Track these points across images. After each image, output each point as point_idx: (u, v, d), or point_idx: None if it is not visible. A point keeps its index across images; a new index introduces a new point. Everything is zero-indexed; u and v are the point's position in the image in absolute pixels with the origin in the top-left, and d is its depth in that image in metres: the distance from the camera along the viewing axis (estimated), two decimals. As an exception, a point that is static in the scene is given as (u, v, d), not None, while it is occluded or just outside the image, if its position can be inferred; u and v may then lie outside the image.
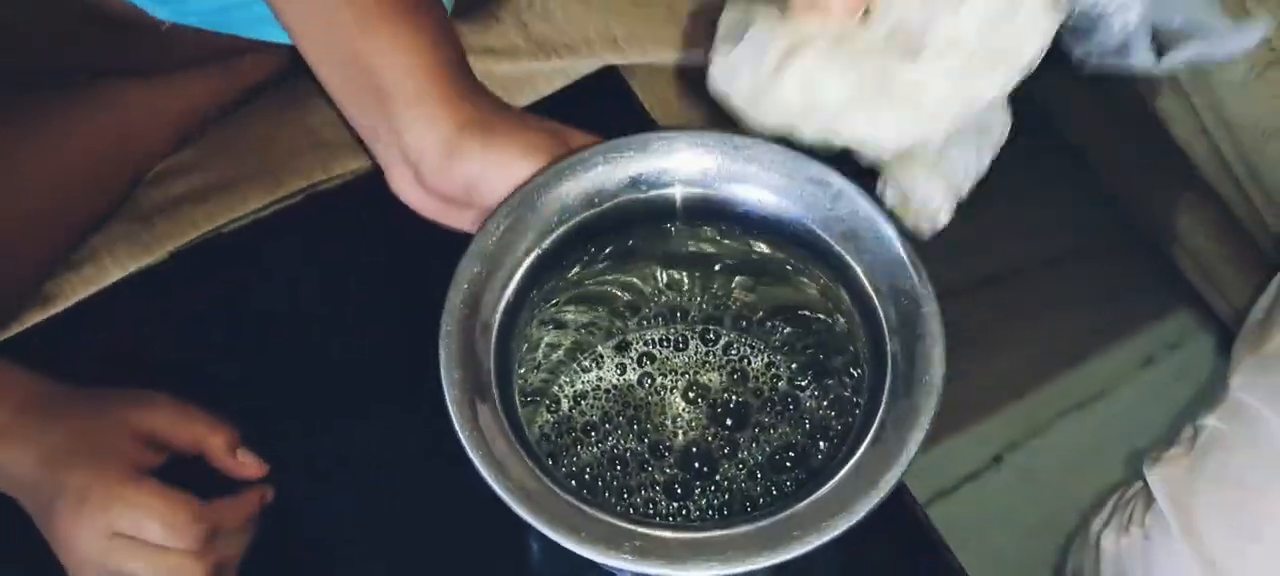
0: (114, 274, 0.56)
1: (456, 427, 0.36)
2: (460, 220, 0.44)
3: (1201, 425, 0.57)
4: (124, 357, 0.57)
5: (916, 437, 0.36)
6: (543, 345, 0.47)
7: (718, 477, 0.48)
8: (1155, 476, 0.57)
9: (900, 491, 0.57)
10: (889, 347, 0.38)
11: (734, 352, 0.49)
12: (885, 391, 0.37)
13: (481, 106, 0.43)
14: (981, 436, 0.99)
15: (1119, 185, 1.04)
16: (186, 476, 0.50)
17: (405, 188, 0.44)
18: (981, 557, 0.87)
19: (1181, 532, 0.54)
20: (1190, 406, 0.73)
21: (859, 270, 0.39)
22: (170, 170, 0.59)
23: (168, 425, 0.50)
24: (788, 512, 0.35)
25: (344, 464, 0.57)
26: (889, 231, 0.39)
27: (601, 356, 0.49)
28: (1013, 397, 0.97)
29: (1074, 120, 1.05)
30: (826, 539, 0.35)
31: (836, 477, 0.36)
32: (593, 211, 0.41)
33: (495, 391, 0.37)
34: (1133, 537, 0.57)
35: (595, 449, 0.48)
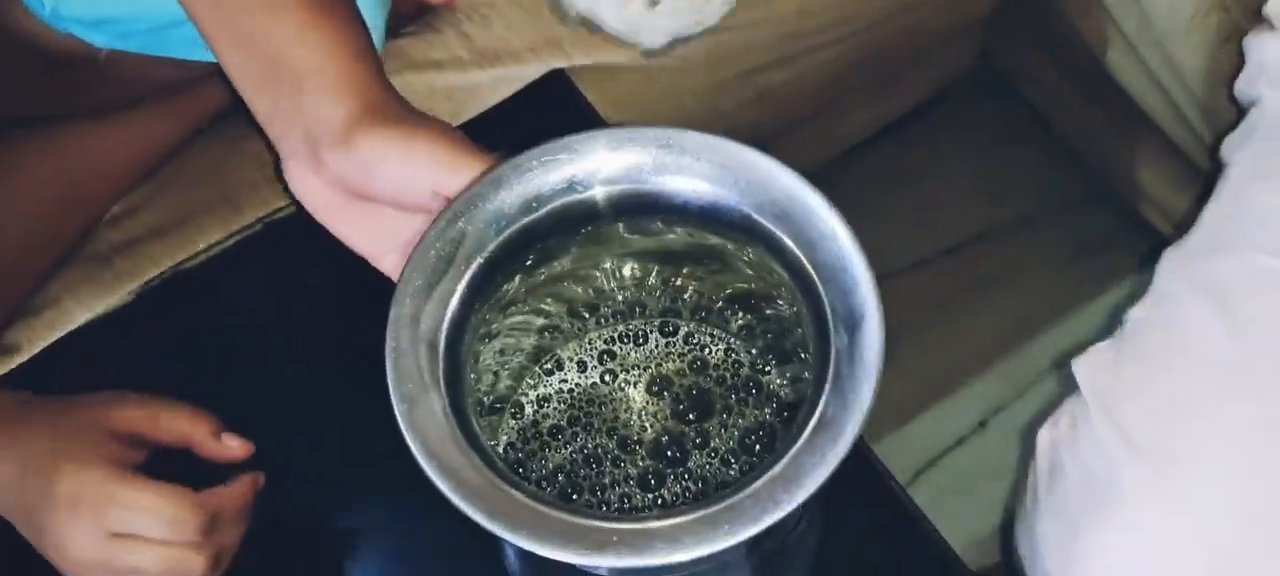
0: (77, 316, 0.57)
1: (405, 434, 0.37)
2: (350, 222, 0.44)
3: (1126, 317, 0.58)
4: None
5: (857, 417, 0.36)
6: (498, 354, 0.47)
7: (691, 465, 0.48)
8: (1080, 367, 0.58)
9: (877, 468, 0.58)
10: (831, 326, 0.38)
11: (694, 342, 0.50)
12: (830, 370, 0.37)
13: (390, 96, 0.43)
14: (965, 402, 0.99)
15: (1083, 144, 1.04)
16: (170, 470, 0.51)
17: (299, 173, 0.43)
18: (972, 520, 0.88)
19: (1101, 413, 0.55)
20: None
21: (797, 250, 0.40)
22: (126, 209, 0.59)
23: (146, 419, 0.51)
24: (728, 501, 0.35)
25: (316, 490, 0.58)
26: (821, 208, 0.39)
27: (561, 359, 0.49)
28: (993, 361, 0.98)
29: (1035, 83, 1.06)
30: (765, 523, 0.35)
31: (782, 461, 0.36)
32: (532, 216, 0.41)
33: (445, 399, 0.38)
34: (1060, 428, 0.58)
35: (565, 451, 0.48)
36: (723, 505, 0.36)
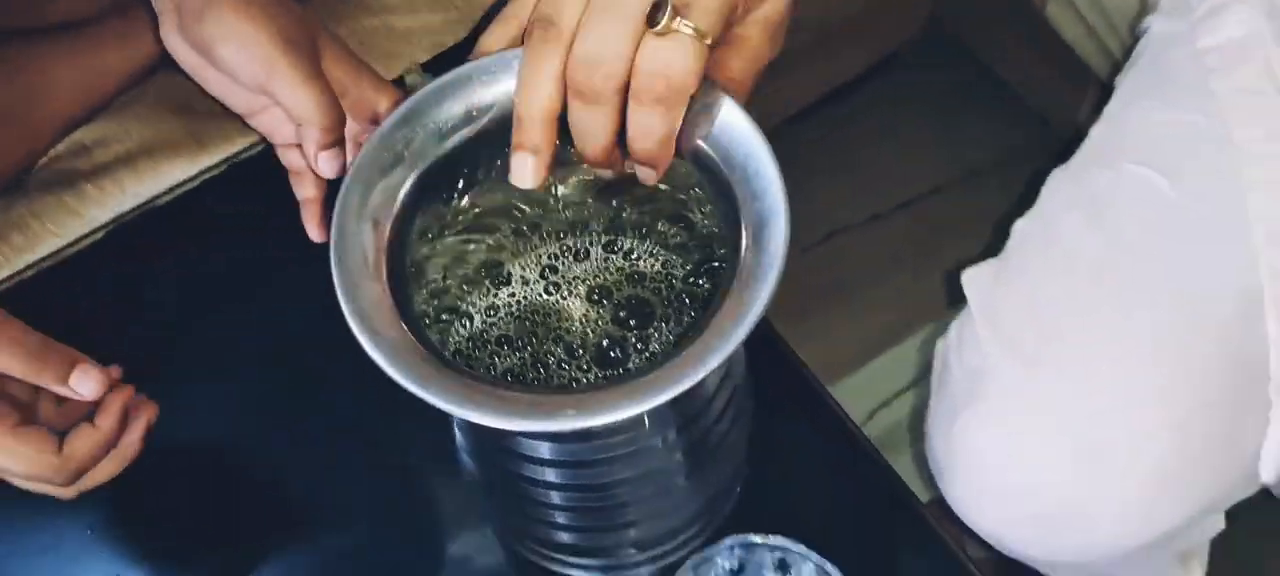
0: (45, 240, 0.58)
1: (343, 306, 0.39)
2: (217, 82, 0.50)
3: (1011, 231, 0.62)
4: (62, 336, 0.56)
5: (761, 297, 0.39)
6: (445, 266, 0.49)
7: (631, 367, 0.50)
8: (968, 278, 0.61)
9: (833, 408, 0.61)
10: (742, 222, 0.41)
11: (632, 256, 0.53)
12: (740, 259, 0.40)
13: None
14: (917, 347, 1.03)
15: (1030, 96, 1.08)
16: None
17: (168, 31, 0.50)
18: (923, 455, 0.92)
19: (982, 317, 0.59)
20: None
21: (719, 163, 0.42)
22: (97, 139, 0.60)
23: None
24: (641, 378, 0.38)
25: (292, 427, 0.60)
26: (734, 112, 0.42)
27: (507, 273, 0.52)
28: (945, 309, 1.01)
29: (983, 42, 1.09)
30: (670, 394, 0.37)
31: (691, 345, 0.39)
32: (475, 126, 0.44)
33: (386, 287, 0.41)
34: (950, 336, 0.62)
35: (513, 358, 0.51)
36: (636, 381, 0.38)
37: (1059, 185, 0.62)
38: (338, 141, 0.51)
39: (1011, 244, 0.62)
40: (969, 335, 0.61)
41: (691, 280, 0.52)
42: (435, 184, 0.45)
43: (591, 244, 0.52)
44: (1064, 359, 0.56)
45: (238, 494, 0.60)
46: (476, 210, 0.49)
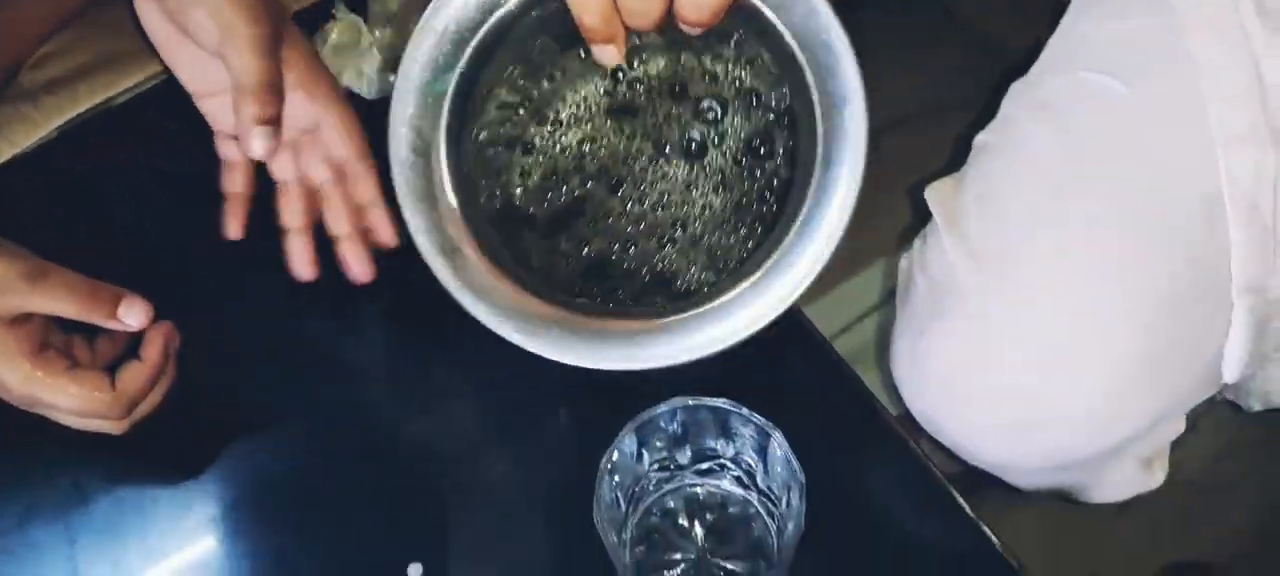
0: (4, 152, 0.58)
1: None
2: (182, 57, 0.51)
3: (973, 144, 0.63)
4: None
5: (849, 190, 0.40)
6: (501, 108, 0.48)
7: (707, 162, 0.49)
8: (931, 192, 0.62)
9: (806, 326, 0.61)
10: (817, 109, 0.41)
11: (703, 106, 0.49)
12: (816, 163, 0.40)
13: None
14: (883, 271, 1.04)
15: (989, 32, 1.08)
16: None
17: (142, 4, 0.51)
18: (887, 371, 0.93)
19: (946, 228, 0.60)
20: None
21: (784, 32, 0.41)
22: (51, 52, 0.60)
23: (40, 302, 0.50)
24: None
25: (256, 325, 0.60)
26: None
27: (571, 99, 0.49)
28: (910, 236, 1.03)
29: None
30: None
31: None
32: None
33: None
34: (914, 252, 0.63)
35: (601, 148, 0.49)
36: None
37: (1017, 95, 0.62)
38: (273, 120, 0.51)
39: (972, 156, 0.63)
40: (933, 248, 0.62)
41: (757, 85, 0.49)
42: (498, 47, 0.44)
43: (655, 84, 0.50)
44: (1027, 266, 0.57)
45: (197, 388, 0.60)
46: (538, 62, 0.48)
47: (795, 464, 0.45)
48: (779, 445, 0.46)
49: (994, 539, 0.53)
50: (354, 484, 0.58)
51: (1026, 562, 0.52)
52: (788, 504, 0.47)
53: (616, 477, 0.48)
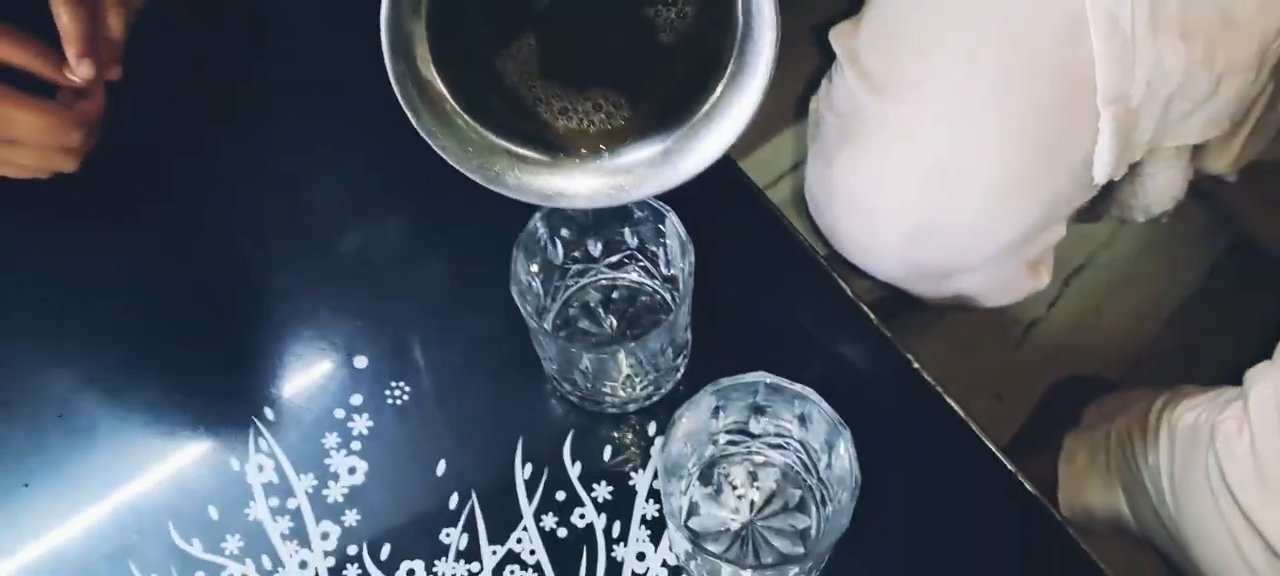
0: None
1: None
2: None
3: None
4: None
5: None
6: None
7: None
8: (834, 34, 0.68)
9: (741, 178, 0.66)
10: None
11: None
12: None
13: None
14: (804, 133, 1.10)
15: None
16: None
17: None
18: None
19: (847, 63, 0.65)
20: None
21: None
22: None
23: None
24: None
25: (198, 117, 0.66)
26: None
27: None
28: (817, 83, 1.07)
29: None
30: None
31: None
32: None
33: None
34: (821, 91, 0.69)
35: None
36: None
37: None
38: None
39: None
40: (838, 86, 0.67)
41: None
42: None
43: None
44: (917, 91, 0.63)
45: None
46: None
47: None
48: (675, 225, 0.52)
49: (912, 360, 0.59)
50: (300, 287, 0.63)
51: (940, 383, 0.58)
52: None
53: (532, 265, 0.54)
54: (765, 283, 0.62)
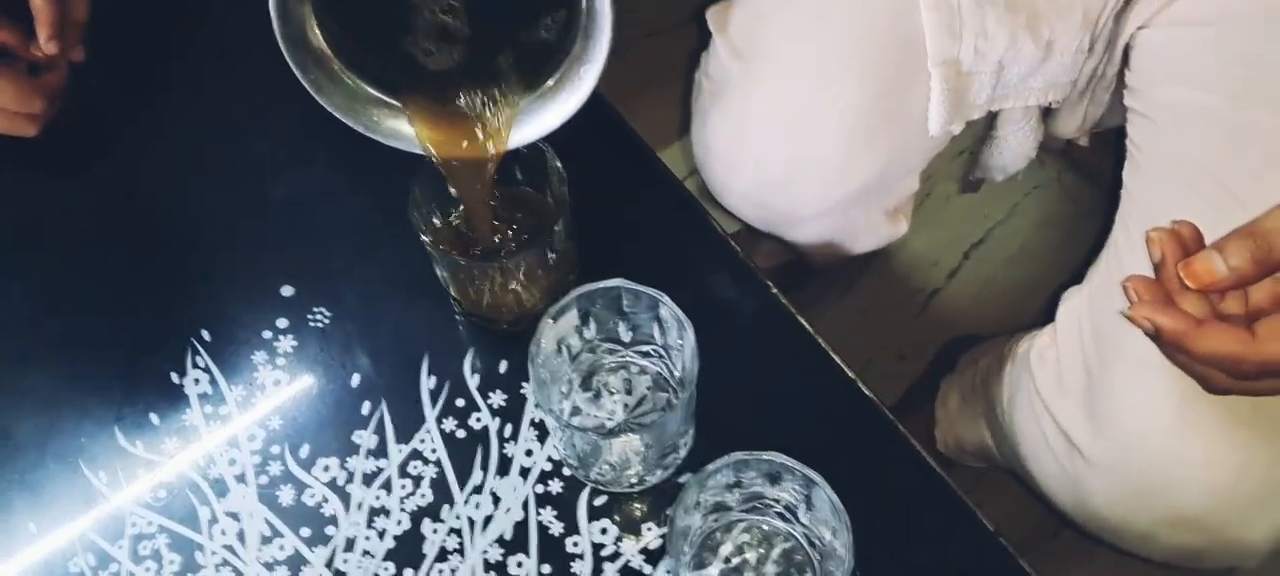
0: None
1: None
2: None
3: None
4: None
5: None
6: None
7: None
8: (710, 13, 0.76)
9: (660, 170, 0.72)
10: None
11: None
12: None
13: None
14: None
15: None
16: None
17: None
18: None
19: (720, 38, 0.74)
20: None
21: None
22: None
23: None
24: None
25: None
26: None
27: None
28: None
29: None
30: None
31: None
32: None
33: None
34: (701, 65, 0.77)
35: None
36: None
37: None
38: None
39: None
40: (712, 56, 0.76)
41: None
42: None
43: None
44: (773, 54, 0.71)
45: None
46: None
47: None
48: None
49: (818, 339, 0.65)
50: (236, 226, 0.72)
51: (846, 355, 0.64)
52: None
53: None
54: (671, 256, 0.68)
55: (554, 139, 0.59)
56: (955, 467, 0.96)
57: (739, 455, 0.53)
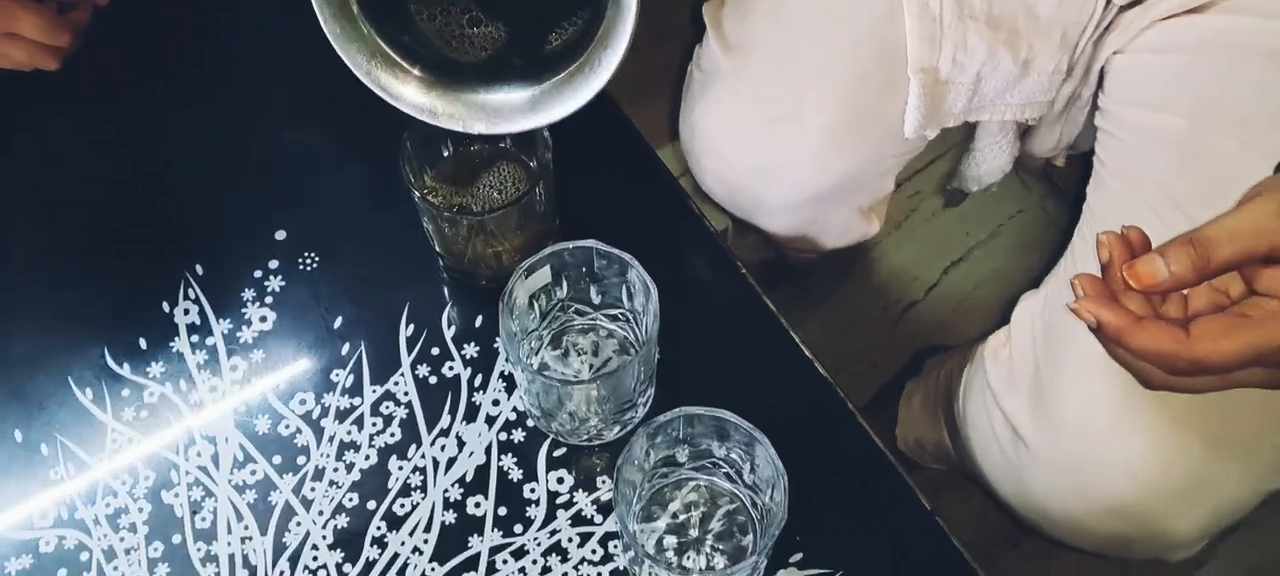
0: None
1: None
2: None
3: None
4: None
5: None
6: None
7: None
8: (706, 10, 0.79)
9: (655, 165, 0.75)
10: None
11: None
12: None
13: None
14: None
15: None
16: None
17: None
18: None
19: (713, 33, 0.77)
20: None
21: None
22: None
23: None
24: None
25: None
26: None
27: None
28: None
29: None
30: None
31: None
32: None
33: None
34: (694, 57, 0.81)
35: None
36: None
37: None
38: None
39: None
40: (705, 49, 0.79)
41: None
42: None
43: None
44: (761, 49, 0.75)
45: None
46: None
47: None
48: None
49: (780, 319, 0.68)
50: (236, 173, 0.75)
51: (821, 359, 0.66)
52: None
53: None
54: (651, 231, 0.70)
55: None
56: (918, 472, 0.99)
57: (688, 409, 0.56)
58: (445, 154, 0.68)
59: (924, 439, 0.92)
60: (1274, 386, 0.48)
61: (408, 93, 0.63)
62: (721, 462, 0.61)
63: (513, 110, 0.62)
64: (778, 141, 0.75)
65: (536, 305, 0.65)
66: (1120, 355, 0.48)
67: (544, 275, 0.63)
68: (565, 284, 0.65)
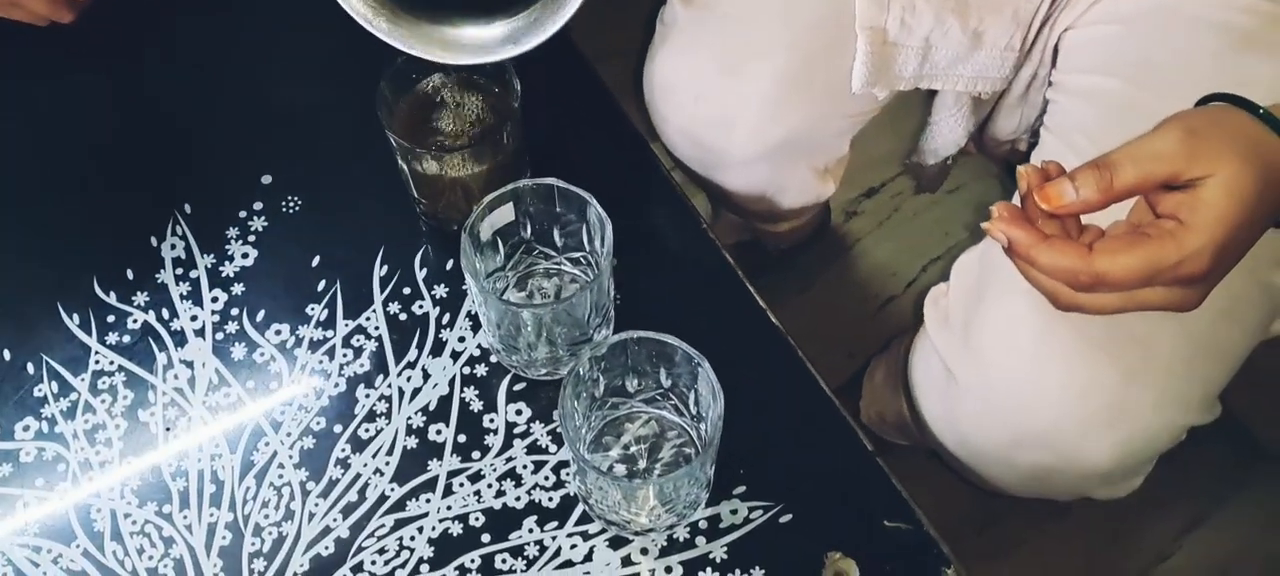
0: None
1: None
2: None
3: None
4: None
5: None
6: None
7: None
8: None
9: (620, 115, 0.80)
10: None
11: None
12: None
13: None
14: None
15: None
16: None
17: None
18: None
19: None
20: None
21: None
22: None
23: None
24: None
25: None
26: None
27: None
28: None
29: None
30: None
31: None
32: None
33: None
34: (660, 12, 0.84)
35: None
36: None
37: None
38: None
39: None
40: (669, 2, 0.83)
41: None
42: None
43: None
44: (718, 5, 0.78)
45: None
46: None
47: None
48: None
49: (737, 271, 0.71)
50: (225, 119, 0.79)
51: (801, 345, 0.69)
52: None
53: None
54: (617, 179, 0.72)
55: (526, 81, 0.67)
56: (889, 454, 1.01)
57: (633, 333, 0.59)
58: (420, 95, 0.72)
59: (886, 410, 0.94)
60: (1178, 307, 0.51)
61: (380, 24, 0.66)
62: (670, 394, 0.64)
63: (484, 44, 0.66)
64: (733, 92, 0.78)
65: (501, 246, 0.68)
66: (1031, 274, 0.51)
67: (507, 212, 0.66)
68: (528, 225, 0.68)
